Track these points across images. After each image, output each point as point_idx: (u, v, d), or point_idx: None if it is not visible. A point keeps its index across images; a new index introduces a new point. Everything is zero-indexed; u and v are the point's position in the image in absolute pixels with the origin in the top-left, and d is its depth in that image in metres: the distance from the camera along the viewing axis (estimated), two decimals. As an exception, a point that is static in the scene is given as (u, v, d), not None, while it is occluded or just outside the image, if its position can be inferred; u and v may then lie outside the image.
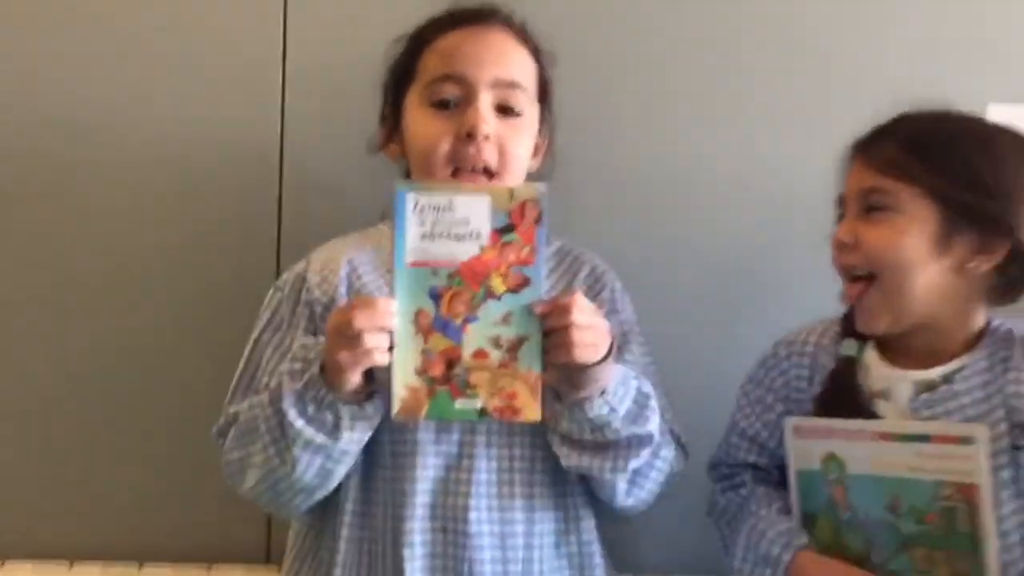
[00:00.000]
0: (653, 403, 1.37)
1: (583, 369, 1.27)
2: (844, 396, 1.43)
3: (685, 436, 1.50)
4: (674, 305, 1.77)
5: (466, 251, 1.26)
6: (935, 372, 1.40)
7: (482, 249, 1.26)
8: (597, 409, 1.30)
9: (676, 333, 1.73)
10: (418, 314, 1.25)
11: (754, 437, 1.53)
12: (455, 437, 1.39)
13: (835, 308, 1.50)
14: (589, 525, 1.46)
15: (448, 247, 1.26)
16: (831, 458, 1.39)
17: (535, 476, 1.41)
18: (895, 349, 1.44)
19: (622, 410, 1.33)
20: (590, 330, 1.26)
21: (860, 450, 1.37)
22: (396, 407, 1.25)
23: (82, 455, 1.78)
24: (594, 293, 1.50)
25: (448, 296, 1.25)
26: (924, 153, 1.37)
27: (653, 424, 1.36)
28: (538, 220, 1.26)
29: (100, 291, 1.77)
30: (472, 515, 1.37)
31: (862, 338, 1.46)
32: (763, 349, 1.58)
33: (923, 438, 1.33)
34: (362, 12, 1.76)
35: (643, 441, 1.35)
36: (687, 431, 1.51)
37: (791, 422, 1.44)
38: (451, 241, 1.26)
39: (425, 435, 1.38)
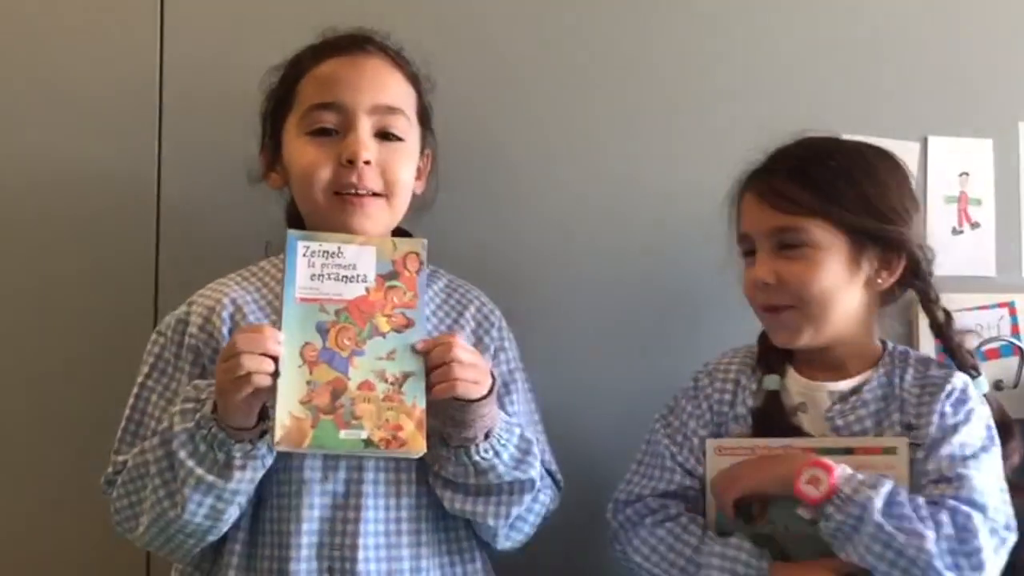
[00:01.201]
0: (535, 449, 1.42)
1: (466, 406, 1.32)
2: (772, 421, 1.52)
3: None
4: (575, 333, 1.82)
5: (353, 291, 1.31)
6: (846, 384, 1.52)
7: (368, 291, 1.31)
8: (482, 452, 1.35)
9: (580, 363, 1.80)
10: (304, 347, 1.28)
11: (683, 463, 1.55)
12: (342, 475, 1.38)
13: (742, 337, 1.61)
14: (476, 567, 1.48)
15: (336, 287, 1.31)
16: None
17: (422, 512, 1.42)
18: (811, 364, 1.55)
19: (506, 454, 1.37)
20: (471, 368, 1.31)
21: None
22: (278, 435, 1.24)
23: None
24: (483, 330, 1.54)
25: (335, 330, 1.29)
26: (819, 187, 1.48)
27: (535, 470, 1.41)
28: (419, 270, 1.33)
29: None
30: (360, 554, 1.37)
31: (780, 363, 1.55)
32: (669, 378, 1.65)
33: (847, 451, 1.42)
34: (240, 39, 1.75)
35: (525, 487, 1.40)
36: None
37: (713, 443, 1.51)
38: (339, 282, 1.31)
39: (312, 474, 1.38)
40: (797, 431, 1.50)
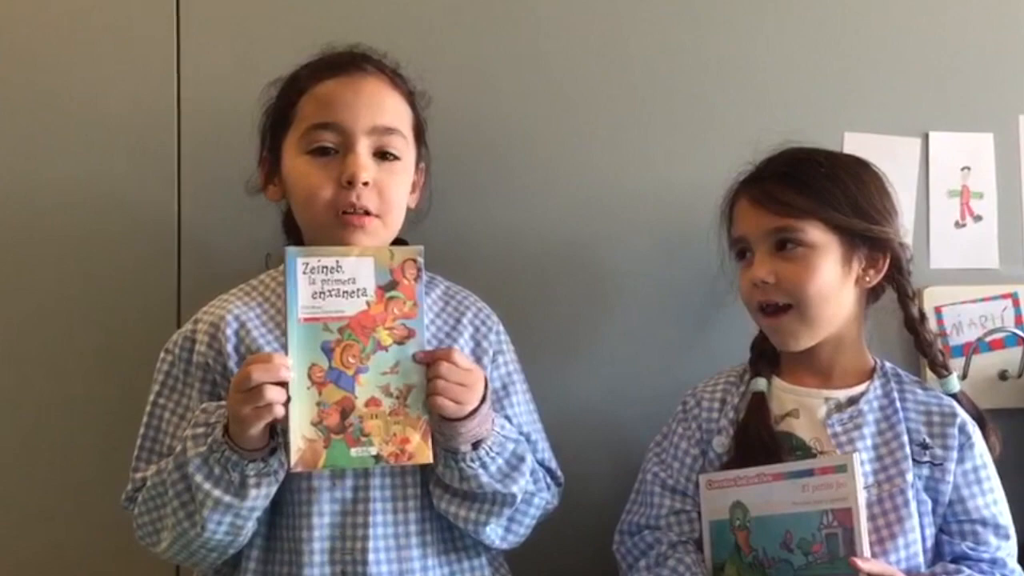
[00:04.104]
0: (525, 466, 1.45)
1: (444, 421, 1.36)
2: (756, 424, 1.56)
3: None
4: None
5: (354, 307, 1.34)
6: (841, 393, 1.57)
7: (369, 305, 1.34)
8: (469, 461, 1.39)
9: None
10: (312, 368, 1.32)
11: (674, 486, 1.60)
12: (349, 483, 1.43)
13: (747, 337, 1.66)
14: (481, 561, 1.52)
15: (337, 304, 1.34)
16: (737, 506, 1.49)
17: (426, 512, 1.46)
18: (797, 370, 1.60)
19: (492, 467, 1.41)
20: (457, 387, 1.35)
21: (759, 493, 1.47)
22: (294, 459, 1.30)
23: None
24: (480, 335, 1.57)
25: (340, 349, 1.33)
26: (812, 190, 1.54)
27: (518, 486, 1.43)
28: (418, 277, 1.36)
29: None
30: (371, 556, 1.41)
31: (768, 370, 1.61)
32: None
33: (807, 472, 1.44)
34: (256, 60, 1.75)
35: (505, 500, 1.43)
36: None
37: (704, 477, 1.54)
38: (340, 298, 1.34)
39: (320, 482, 1.42)
40: (776, 439, 1.54)
